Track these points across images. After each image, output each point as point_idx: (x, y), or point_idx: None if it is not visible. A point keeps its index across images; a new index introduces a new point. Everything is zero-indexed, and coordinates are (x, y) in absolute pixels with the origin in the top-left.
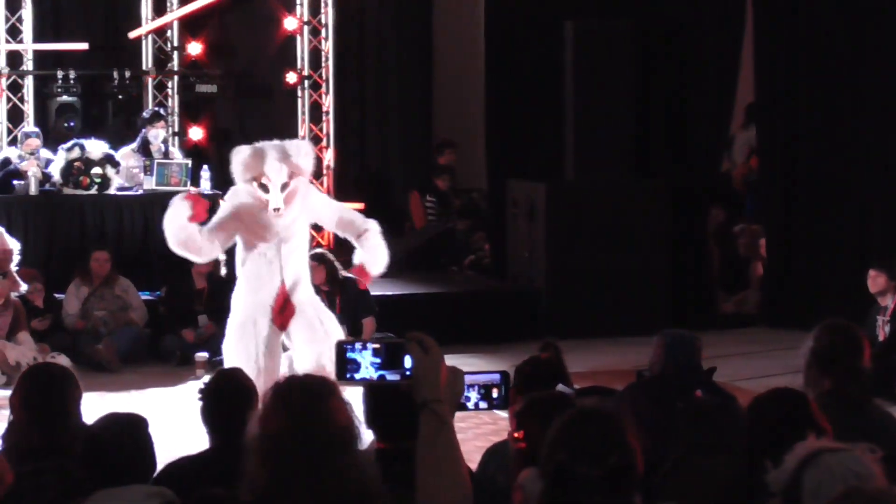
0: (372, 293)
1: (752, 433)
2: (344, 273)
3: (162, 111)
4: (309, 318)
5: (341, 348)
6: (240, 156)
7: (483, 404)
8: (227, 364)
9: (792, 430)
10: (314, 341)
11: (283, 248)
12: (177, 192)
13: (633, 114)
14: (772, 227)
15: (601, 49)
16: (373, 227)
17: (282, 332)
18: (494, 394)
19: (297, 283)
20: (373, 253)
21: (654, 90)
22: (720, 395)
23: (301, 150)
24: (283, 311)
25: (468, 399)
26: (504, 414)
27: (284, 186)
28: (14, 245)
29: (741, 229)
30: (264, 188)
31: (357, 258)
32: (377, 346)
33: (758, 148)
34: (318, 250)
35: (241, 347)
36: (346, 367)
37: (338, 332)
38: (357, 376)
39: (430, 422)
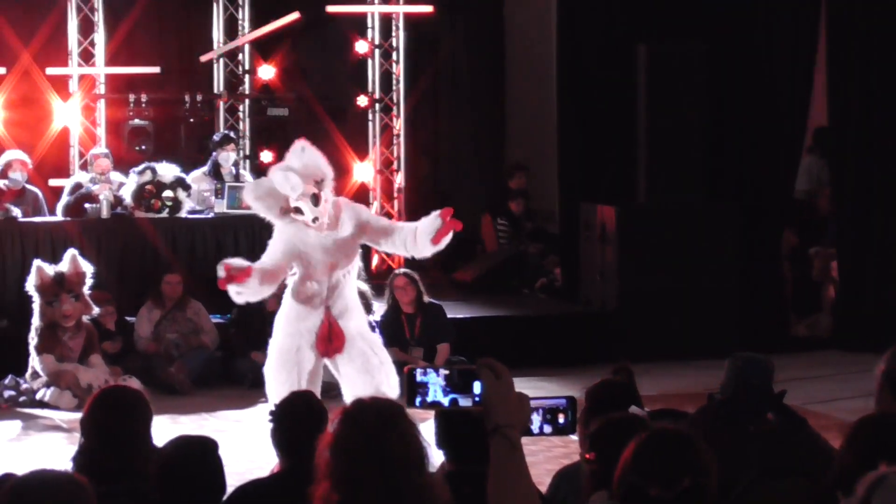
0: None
1: (845, 457)
2: (428, 298)
3: (232, 134)
4: (361, 347)
5: (411, 375)
6: (250, 197)
7: (548, 428)
8: (268, 389)
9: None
10: (369, 371)
11: (333, 274)
12: (247, 215)
13: (706, 136)
14: (844, 250)
15: (674, 72)
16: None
17: (324, 358)
18: (561, 419)
19: (344, 310)
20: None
21: (726, 113)
22: (791, 418)
23: (296, 151)
24: (330, 340)
25: (531, 422)
26: (575, 437)
27: (316, 199)
28: (87, 268)
29: (816, 252)
30: (298, 211)
31: (430, 221)
32: (447, 371)
33: (830, 170)
34: (409, 271)
35: (283, 375)
36: (416, 393)
37: (390, 361)
38: (428, 399)
39: (502, 447)
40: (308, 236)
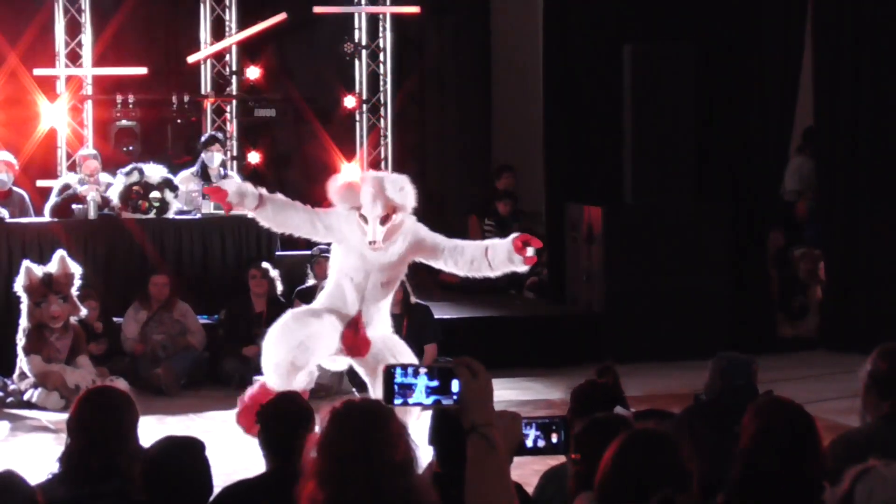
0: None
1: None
2: (415, 299)
3: (218, 135)
4: (375, 352)
5: (389, 373)
6: (334, 186)
7: (541, 443)
8: (263, 350)
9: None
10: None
11: (372, 278)
12: (235, 216)
13: (693, 137)
14: (831, 251)
15: (660, 72)
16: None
17: (348, 356)
18: (553, 438)
19: (374, 316)
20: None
21: (713, 113)
22: None
23: (397, 184)
24: (356, 338)
25: (526, 436)
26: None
27: (385, 219)
28: (75, 269)
29: (801, 253)
30: (364, 219)
31: (506, 244)
32: (426, 369)
33: (817, 171)
34: None
35: (284, 334)
36: (393, 392)
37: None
38: (410, 401)
39: (479, 446)
40: (356, 236)
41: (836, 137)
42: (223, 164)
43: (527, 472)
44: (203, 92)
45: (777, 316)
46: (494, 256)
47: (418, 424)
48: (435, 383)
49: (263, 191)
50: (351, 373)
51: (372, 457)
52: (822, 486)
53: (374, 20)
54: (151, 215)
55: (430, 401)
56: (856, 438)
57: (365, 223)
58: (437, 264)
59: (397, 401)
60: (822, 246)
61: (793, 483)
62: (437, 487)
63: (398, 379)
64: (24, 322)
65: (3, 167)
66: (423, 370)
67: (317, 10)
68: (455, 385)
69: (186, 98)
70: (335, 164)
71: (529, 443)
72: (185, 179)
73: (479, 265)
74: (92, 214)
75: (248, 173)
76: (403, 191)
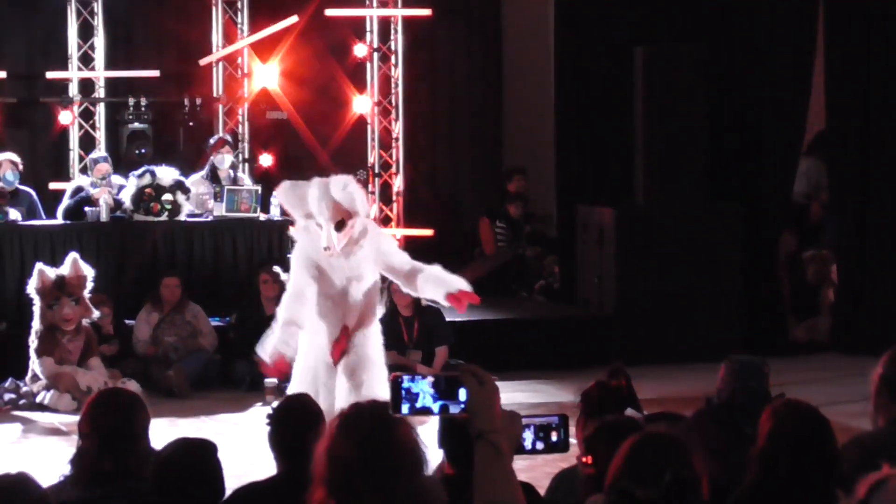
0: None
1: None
2: (426, 301)
3: (227, 136)
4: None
5: (396, 382)
6: (282, 196)
7: (540, 445)
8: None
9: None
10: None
11: (350, 291)
12: (246, 218)
13: (704, 139)
14: (843, 254)
15: (672, 74)
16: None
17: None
18: (553, 437)
19: (359, 326)
20: (446, 279)
21: (725, 115)
22: None
23: (340, 184)
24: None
25: (524, 439)
26: (572, 440)
27: (340, 225)
28: (88, 272)
29: (811, 256)
30: (319, 225)
31: (441, 291)
32: (434, 378)
33: (829, 174)
34: None
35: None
36: (401, 400)
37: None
38: (417, 406)
39: (486, 452)
40: (319, 247)
41: (849, 140)
42: (233, 166)
43: (538, 474)
44: (215, 94)
45: (789, 319)
46: (424, 287)
47: (429, 426)
48: (437, 392)
49: (288, 318)
50: None
51: (379, 461)
52: (834, 494)
53: (385, 23)
54: (163, 218)
55: (437, 406)
56: (867, 442)
57: (321, 229)
58: (392, 277)
59: (405, 407)
60: (834, 248)
61: (808, 485)
62: (448, 490)
63: (405, 385)
64: (36, 324)
65: (8, 166)
66: (428, 378)
67: (328, 12)
68: (462, 394)
69: (198, 101)
70: (347, 166)
71: (528, 445)
72: (195, 183)
73: (415, 287)
74: (104, 217)
75: (260, 175)
76: (347, 189)
